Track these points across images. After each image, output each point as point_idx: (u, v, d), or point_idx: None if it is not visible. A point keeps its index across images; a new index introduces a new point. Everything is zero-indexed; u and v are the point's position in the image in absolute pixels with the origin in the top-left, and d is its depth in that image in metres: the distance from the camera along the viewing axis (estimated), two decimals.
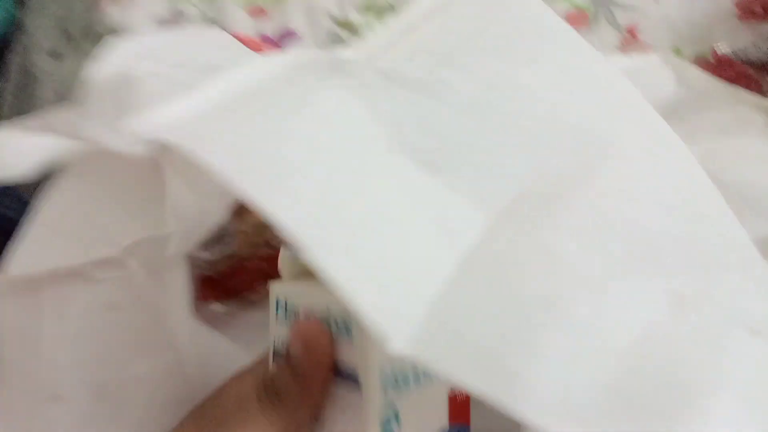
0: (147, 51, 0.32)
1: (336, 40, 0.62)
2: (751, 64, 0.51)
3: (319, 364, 0.25)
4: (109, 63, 0.31)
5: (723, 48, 0.55)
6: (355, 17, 0.63)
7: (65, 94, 0.66)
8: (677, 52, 0.59)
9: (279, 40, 0.62)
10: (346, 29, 0.63)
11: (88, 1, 0.69)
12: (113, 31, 0.64)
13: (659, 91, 0.50)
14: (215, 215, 0.35)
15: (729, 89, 0.49)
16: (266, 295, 0.30)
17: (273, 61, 0.24)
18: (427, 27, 0.27)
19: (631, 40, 0.60)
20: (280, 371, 0.26)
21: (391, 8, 0.63)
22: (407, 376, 0.27)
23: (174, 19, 0.63)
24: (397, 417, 0.26)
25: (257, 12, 0.63)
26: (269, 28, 0.63)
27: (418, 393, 0.27)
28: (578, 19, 0.61)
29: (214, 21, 0.63)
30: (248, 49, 0.38)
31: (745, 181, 0.41)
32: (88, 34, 0.77)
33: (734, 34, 0.60)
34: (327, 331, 0.26)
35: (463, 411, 0.29)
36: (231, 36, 0.44)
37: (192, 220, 0.32)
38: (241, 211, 0.41)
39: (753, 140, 0.43)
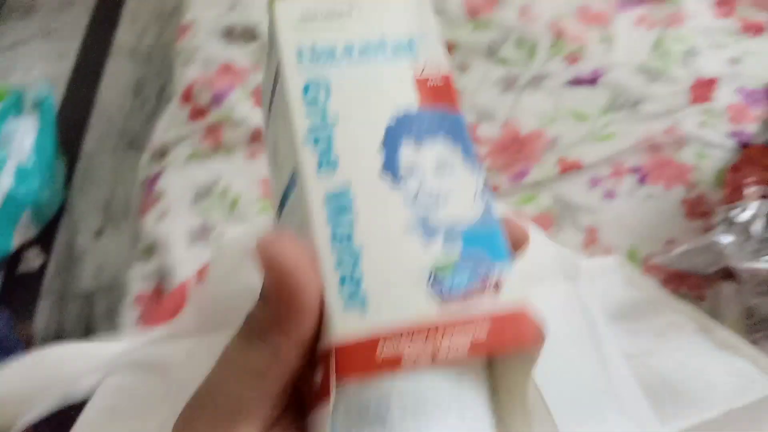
0: None
1: None
2: (683, 271, 0.60)
3: (293, 285, 0.20)
4: None
5: (656, 259, 0.63)
6: None
7: (104, 273, 0.75)
8: (633, 252, 0.68)
9: None
10: None
11: (129, 183, 0.81)
12: (150, 243, 0.76)
13: (612, 291, 0.59)
14: None
15: (668, 298, 0.57)
16: None
17: None
18: None
19: (592, 240, 0.69)
20: (254, 307, 0.22)
21: None
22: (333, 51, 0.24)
23: (203, 234, 0.75)
24: (327, 88, 0.23)
25: None
26: None
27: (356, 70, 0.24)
28: (545, 221, 0.71)
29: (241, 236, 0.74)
30: None
31: (675, 375, 0.48)
32: (128, 214, 0.89)
33: (685, 233, 0.69)
34: (294, 244, 0.20)
35: (443, 98, 0.24)
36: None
37: None
38: None
39: (683, 344, 0.50)
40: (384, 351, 0.19)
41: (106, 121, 1.50)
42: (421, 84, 0.24)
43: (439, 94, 0.24)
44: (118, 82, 1.57)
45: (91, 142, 1.48)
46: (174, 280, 0.71)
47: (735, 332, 0.59)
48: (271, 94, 0.26)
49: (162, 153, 0.85)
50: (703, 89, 0.77)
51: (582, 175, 0.74)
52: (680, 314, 0.55)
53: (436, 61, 0.25)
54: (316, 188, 0.21)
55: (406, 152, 0.22)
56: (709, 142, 0.73)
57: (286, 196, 0.24)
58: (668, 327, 0.53)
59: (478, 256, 0.21)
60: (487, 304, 0.20)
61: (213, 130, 0.82)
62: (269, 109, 0.27)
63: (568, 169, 0.74)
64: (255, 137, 0.80)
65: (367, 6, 0.25)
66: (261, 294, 0.21)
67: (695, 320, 0.55)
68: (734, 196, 0.62)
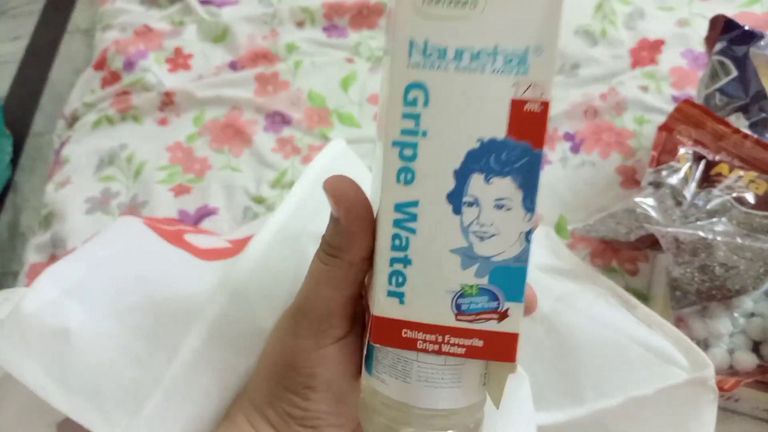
0: (74, 289, 0.38)
1: (249, 214, 0.67)
2: (602, 239, 0.54)
3: (354, 215, 0.27)
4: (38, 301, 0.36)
5: (576, 227, 0.58)
6: (268, 192, 0.68)
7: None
8: (562, 222, 0.62)
9: (197, 217, 0.67)
10: (259, 203, 0.68)
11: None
12: (51, 211, 0.70)
13: (536, 262, 0.54)
14: None
15: (592, 272, 0.52)
16: None
17: None
18: None
19: None
20: (329, 230, 0.29)
21: None
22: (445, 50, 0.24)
23: (105, 199, 0.70)
24: (426, 95, 0.24)
25: (182, 190, 0.69)
26: (190, 205, 0.68)
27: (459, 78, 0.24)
28: None
29: (141, 201, 0.69)
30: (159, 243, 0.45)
31: (592, 358, 0.46)
32: None
33: (617, 201, 0.63)
34: (352, 184, 0.27)
35: (533, 128, 0.24)
36: (147, 227, 0.49)
37: None
38: None
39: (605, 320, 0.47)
40: (406, 334, 0.26)
41: (57, 101, 1.45)
42: (518, 107, 0.24)
43: (531, 122, 0.24)
44: (71, 62, 1.52)
45: (40, 121, 1.43)
46: (67, 251, 0.66)
47: (666, 308, 0.54)
48: (386, 56, 0.27)
49: (73, 120, 0.80)
50: (647, 52, 0.72)
51: None
52: (603, 289, 0.49)
53: (541, 85, 0.24)
54: (392, 195, 0.25)
55: (475, 185, 0.24)
56: (651, 106, 0.68)
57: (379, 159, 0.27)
58: (590, 303, 0.48)
59: (497, 292, 0.25)
60: (489, 327, 0.26)
61: (123, 96, 0.77)
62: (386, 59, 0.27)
63: None
64: (167, 103, 0.75)
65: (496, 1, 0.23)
66: (333, 220, 0.28)
67: (618, 296, 0.50)
68: (664, 157, 0.56)
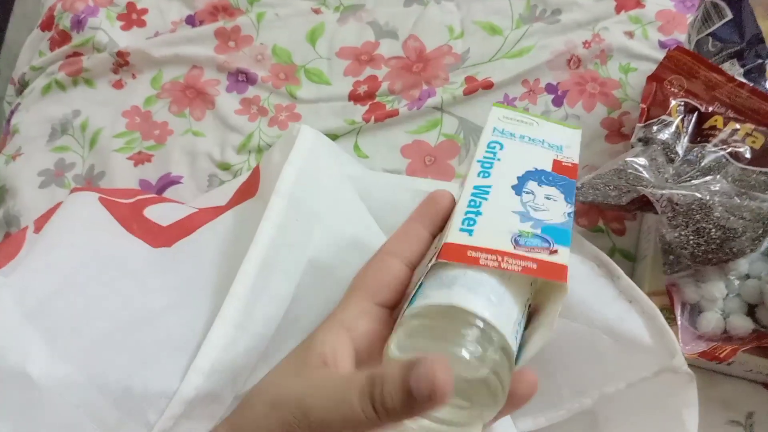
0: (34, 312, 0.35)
1: (215, 182, 0.63)
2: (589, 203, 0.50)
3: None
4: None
5: None
6: (233, 158, 0.64)
7: None
8: None
9: (160, 188, 0.63)
10: (225, 170, 0.64)
11: None
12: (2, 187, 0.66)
13: None
14: None
15: (575, 238, 0.49)
16: None
17: None
18: None
19: None
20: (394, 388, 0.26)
21: (268, 147, 0.64)
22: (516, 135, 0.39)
23: (59, 172, 0.65)
24: (501, 146, 0.38)
25: (141, 159, 0.65)
26: (151, 174, 0.64)
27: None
28: (449, 149, 0.62)
29: (99, 172, 0.64)
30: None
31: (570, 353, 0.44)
32: None
33: (604, 158, 0.60)
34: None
35: (568, 171, 0.37)
36: (102, 207, 0.45)
37: None
38: None
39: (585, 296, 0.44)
40: (471, 254, 0.31)
41: (13, 65, 1.38)
42: (557, 163, 0.38)
43: (567, 170, 0.37)
44: (26, 20, 1.44)
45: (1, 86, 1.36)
46: (21, 229, 0.62)
47: (654, 270, 0.51)
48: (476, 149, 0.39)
49: (22, 86, 0.74)
50: None
51: (492, 95, 0.64)
52: (586, 258, 0.46)
53: (572, 157, 0.39)
54: (473, 181, 0.35)
55: (531, 185, 0.35)
56: (637, 53, 0.64)
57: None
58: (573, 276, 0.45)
59: (548, 238, 0.32)
60: (542, 257, 0.31)
61: (73, 58, 0.71)
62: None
63: (477, 89, 0.64)
64: (121, 64, 0.70)
65: (545, 124, 0.41)
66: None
67: (605, 265, 0.47)
68: (655, 110, 0.52)
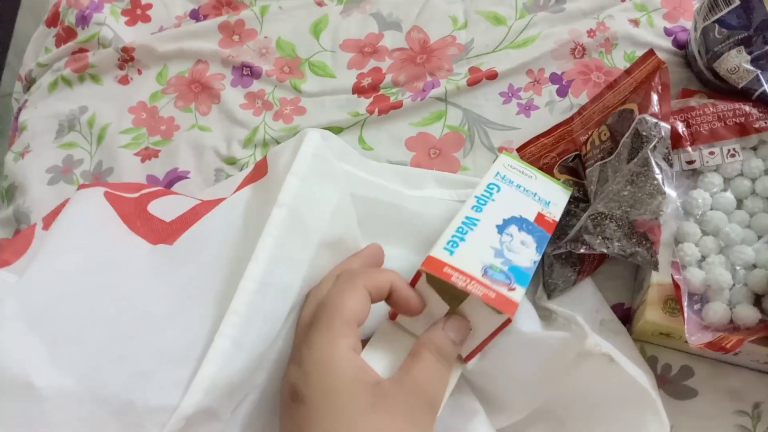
0: (37, 320, 0.36)
1: (222, 177, 0.63)
2: None
3: None
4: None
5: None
6: (239, 152, 0.64)
7: None
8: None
9: (167, 183, 0.64)
10: (231, 164, 0.64)
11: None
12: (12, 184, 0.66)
13: None
14: None
15: None
16: None
17: None
18: None
19: None
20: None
21: (274, 141, 0.64)
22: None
23: (67, 168, 0.65)
24: (499, 189, 0.47)
25: (149, 155, 0.65)
26: (158, 169, 0.64)
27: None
28: (453, 141, 0.62)
29: (107, 168, 0.65)
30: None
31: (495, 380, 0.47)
32: None
33: None
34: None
35: (547, 225, 0.46)
36: (108, 204, 0.46)
37: None
38: None
39: None
40: (446, 269, 0.38)
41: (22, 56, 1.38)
42: (540, 216, 0.46)
43: (547, 224, 0.46)
44: (34, 14, 1.44)
45: (9, 80, 1.37)
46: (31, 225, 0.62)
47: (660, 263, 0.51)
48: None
49: (29, 82, 0.75)
50: None
51: (496, 86, 0.64)
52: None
53: (555, 214, 0.47)
54: (466, 212, 0.43)
55: (512, 228, 0.43)
56: (642, 41, 0.63)
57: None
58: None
59: (510, 276, 0.39)
60: (501, 290, 0.38)
61: (79, 54, 0.71)
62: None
63: (481, 79, 0.64)
64: (126, 60, 0.70)
65: (542, 178, 0.50)
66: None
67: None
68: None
